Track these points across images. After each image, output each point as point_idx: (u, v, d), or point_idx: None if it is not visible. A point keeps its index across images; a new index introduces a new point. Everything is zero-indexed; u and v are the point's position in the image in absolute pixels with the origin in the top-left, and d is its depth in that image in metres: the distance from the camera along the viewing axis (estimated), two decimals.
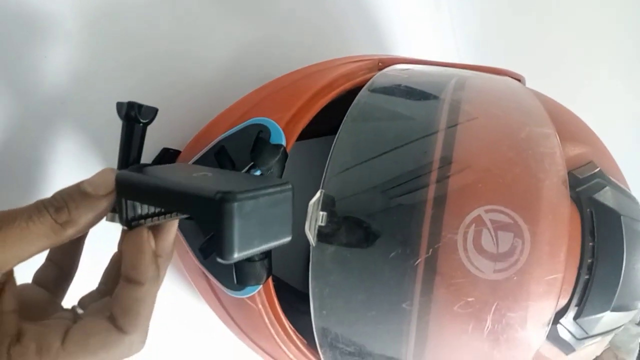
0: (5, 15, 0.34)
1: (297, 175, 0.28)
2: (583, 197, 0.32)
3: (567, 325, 0.32)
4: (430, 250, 0.29)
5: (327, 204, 0.31)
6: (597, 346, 0.36)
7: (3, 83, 0.35)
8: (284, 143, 0.34)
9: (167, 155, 0.41)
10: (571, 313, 0.32)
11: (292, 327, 0.37)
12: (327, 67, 0.43)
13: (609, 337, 0.36)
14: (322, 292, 0.31)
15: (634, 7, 0.74)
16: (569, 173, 0.32)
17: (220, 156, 0.35)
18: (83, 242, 0.29)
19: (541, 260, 0.29)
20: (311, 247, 0.31)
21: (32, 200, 0.25)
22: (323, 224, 0.30)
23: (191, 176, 0.26)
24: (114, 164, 0.30)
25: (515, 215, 0.29)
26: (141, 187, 0.25)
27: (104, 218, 0.27)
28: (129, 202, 0.26)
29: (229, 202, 0.22)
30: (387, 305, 0.31)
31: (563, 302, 0.31)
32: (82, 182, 0.25)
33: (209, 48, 0.46)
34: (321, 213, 0.30)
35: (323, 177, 0.31)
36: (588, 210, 0.32)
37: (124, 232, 0.29)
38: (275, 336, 0.36)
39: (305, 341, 0.38)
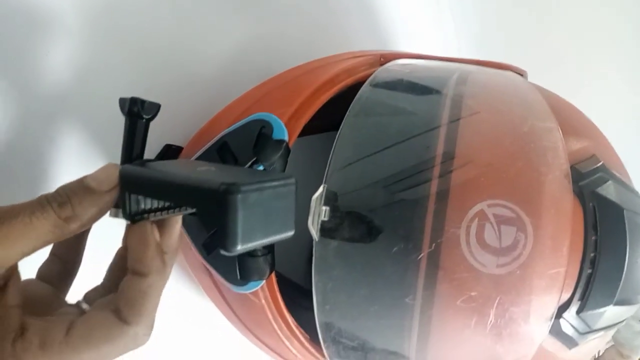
0: (7, 12, 0.34)
1: (299, 172, 0.28)
2: (586, 191, 0.32)
3: (570, 319, 0.32)
4: (433, 244, 0.29)
5: (330, 199, 0.31)
6: (599, 341, 0.36)
7: (5, 80, 0.35)
8: (286, 138, 0.34)
9: (170, 152, 0.41)
10: (574, 307, 0.32)
11: (295, 322, 0.37)
12: (329, 63, 0.43)
13: (611, 332, 0.36)
14: (325, 286, 0.31)
15: (635, 1, 0.74)
16: (572, 167, 0.32)
17: (223, 152, 0.35)
18: (87, 237, 0.29)
19: (544, 254, 0.29)
20: (314, 242, 0.31)
21: (35, 197, 0.25)
22: (326, 219, 0.30)
23: (195, 170, 0.26)
24: (117, 160, 0.30)
25: (518, 210, 0.29)
26: (145, 180, 0.25)
27: (108, 214, 0.27)
28: (132, 196, 0.26)
29: (232, 193, 0.22)
30: (390, 300, 0.31)
31: (566, 296, 0.31)
32: (85, 177, 0.25)
33: (211, 44, 0.46)
34: (324, 208, 0.30)
35: (326, 172, 0.31)
36: (591, 204, 0.32)
37: (128, 228, 0.29)
38: (279, 331, 0.36)
39: (308, 336, 0.38)
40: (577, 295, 0.31)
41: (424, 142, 0.31)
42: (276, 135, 0.34)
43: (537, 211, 0.29)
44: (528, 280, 0.29)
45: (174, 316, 0.46)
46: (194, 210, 0.25)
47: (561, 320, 0.32)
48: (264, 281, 0.34)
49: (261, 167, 0.33)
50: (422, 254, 0.29)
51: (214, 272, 0.36)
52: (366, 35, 0.59)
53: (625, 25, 0.76)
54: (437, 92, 0.34)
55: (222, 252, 0.23)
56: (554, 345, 0.33)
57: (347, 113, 0.33)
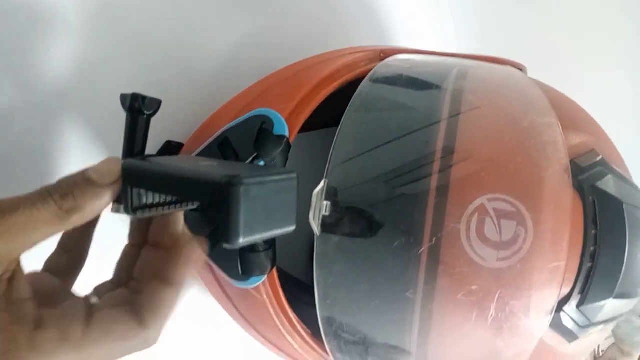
0: (8, 9, 0.34)
1: (300, 167, 0.29)
2: (585, 185, 0.32)
3: (570, 313, 0.32)
4: (434, 239, 0.29)
5: (331, 194, 0.31)
6: (599, 335, 0.36)
7: (6, 76, 0.35)
8: (287, 134, 0.34)
9: (170, 148, 0.41)
10: (574, 301, 0.32)
11: (296, 317, 0.37)
12: (329, 58, 0.43)
13: (611, 326, 0.36)
14: (326, 281, 0.32)
15: (635, 1, 0.74)
16: (571, 161, 0.32)
17: (224, 147, 0.35)
18: (94, 230, 0.29)
19: (544, 248, 0.29)
20: (315, 237, 0.31)
21: None
22: (327, 214, 0.30)
23: (198, 164, 0.26)
24: (118, 156, 0.30)
25: (518, 204, 0.29)
26: (148, 174, 0.25)
27: (109, 210, 0.27)
28: (134, 190, 0.26)
29: (235, 185, 0.22)
30: (391, 294, 0.31)
31: (566, 290, 0.31)
32: (87, 170, 0.25)
33: (212, 40, 0.46)
34: (325, 203, 0.30)
35: (326, 167, 0.31)
36: (590, 198, 0.32)
37: (133, 225, 0.29)
38: (280, 326, 0.36)
39: (309, 331, 0.38)
40: (577, 289, 0.32)
41: (424, 137, 0.31)
42: (277, 131, 0.34)
43: (537, 205, 0.29)
44: (528, 274, 0.29)
45: (176, 312, 0.46)
46: (195, 206, 0.25)
47: (561, 313, 0.32)
48: (266, 276, 0.34)
49: (262, 163, 0.33)
50: (422, 249, 0.29)
51: (215, 268, 0.36)
52: (366, 31, 0.60)
53: (625, 20, 0.76)
54: (437, 87, 0.34)
55: (225, 245, 0.23)
56: (554, 339, 0.33)
57: (348, 108, 0.33)
